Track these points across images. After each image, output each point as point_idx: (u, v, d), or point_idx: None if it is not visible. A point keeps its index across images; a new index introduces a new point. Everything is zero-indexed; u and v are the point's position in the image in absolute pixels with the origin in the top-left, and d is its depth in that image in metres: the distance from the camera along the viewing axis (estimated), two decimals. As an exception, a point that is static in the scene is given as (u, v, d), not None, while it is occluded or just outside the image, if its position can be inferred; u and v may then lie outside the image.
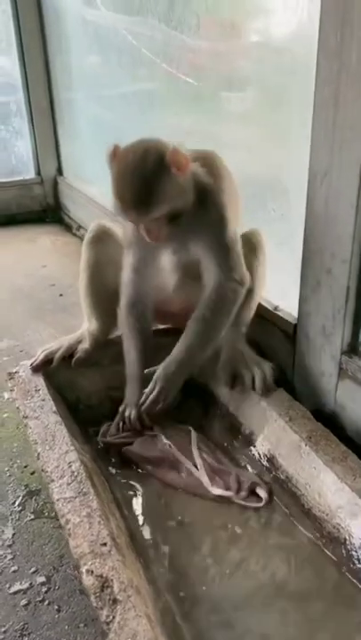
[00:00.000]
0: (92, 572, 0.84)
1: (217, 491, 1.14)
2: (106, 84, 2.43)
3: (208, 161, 1.20)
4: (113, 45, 2.26)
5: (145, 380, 1.27)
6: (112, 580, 0.82)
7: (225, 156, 1.70)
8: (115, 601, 0.80)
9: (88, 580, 0.83)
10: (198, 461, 1.19)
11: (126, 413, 1.29)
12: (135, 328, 1.30)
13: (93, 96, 2.58)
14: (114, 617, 0.78)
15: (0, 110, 2.90)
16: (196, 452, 1.21)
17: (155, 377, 1.25)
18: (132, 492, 1.19)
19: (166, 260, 1.26)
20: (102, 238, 1.40)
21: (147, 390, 1.25)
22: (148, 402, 1.24)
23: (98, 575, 0.83)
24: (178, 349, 1.24)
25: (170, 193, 1.08)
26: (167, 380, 1.24)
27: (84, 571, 0.84)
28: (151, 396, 1.24)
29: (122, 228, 1.34)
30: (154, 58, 1.99)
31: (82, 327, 1.45)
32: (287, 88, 1.38)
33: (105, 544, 0.88)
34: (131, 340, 1.31)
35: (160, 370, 1.25)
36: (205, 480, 1.16)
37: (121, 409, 1.30)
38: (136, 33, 2.07)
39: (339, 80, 1.04)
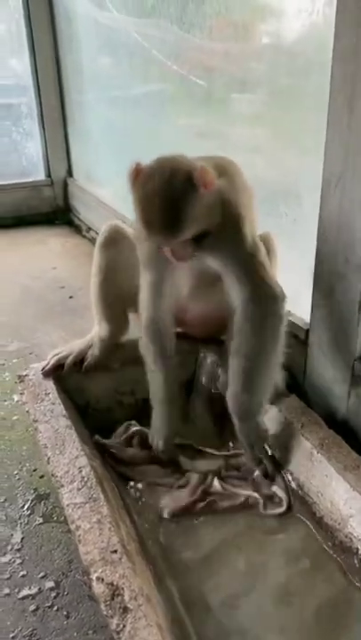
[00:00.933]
0: (103, 579, 0.83)
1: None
2: (117, 86, 2.43)
3: (225, 170, 1.15)
4: (124, 47, 2.26)
5: (172, 404, 1.26)
6: (123, 588, 0.82)
7: (235, 158, 1.70)
8: (125, 609, 0.79)
9: (98, 588, 0.82)
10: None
11: (153, 443, 1.25)
12: (158, 352, 1.24)
13: (104, 98, 2.58)
14: (124, 626, 0.77)
15: (11, 112, 2.92)
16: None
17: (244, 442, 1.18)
18: (142, 498, 1.19)
19: (183, 272, 1.23)
20: (116, 240, 1.37)
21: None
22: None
23: (108, 583, 0.82)
24: (234, 389, 1.16)
25: (199, 214, 1.03)
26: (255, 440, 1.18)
27: (94, 578, 0.83)
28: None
29: (136, 244, 1.28)
30: (165, 60, 1.99)
31: (92, 331, 1.44)
32: (299, 91, 1.38)
33: (115, 551, 0.87)
34: (155, 365, 1.25)
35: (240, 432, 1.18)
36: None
37: (150, 439, 1.27)
38: (147, 35, 2.07)
39: (354, 84, 1.03)
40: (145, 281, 1.23)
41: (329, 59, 1.07)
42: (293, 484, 1.14)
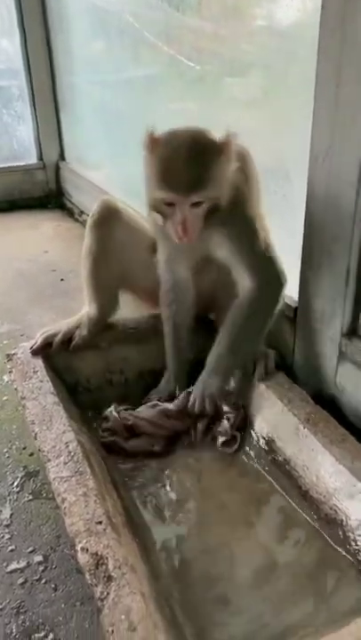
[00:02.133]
0: (87, 549, 0.84)
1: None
2: (108, 68, 2.41)
3: (240, 157, 1.16)
4: (115, 28, 2.23)
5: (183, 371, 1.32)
6: (107, 557, 0.82)
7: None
8: (109, 578, 0.80)
9: (83, 558, 0.83)
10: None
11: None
12: (172, 318, 1.31)
13: (95, 80, 2.56)
14: (108, 593, 0.78)
15: (2, 94, 2.89)
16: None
17: (195, 387, 1.25)
18: (129, 473, 1.19)
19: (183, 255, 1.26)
20: (108, 220, 1.35)
21: (190, 400, 1.24)
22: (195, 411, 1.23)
23: (93, 553, 0.83)
24: (220, 348, 1.23)
25: (220, 176, 1.05)
26: (210, 386, 1.23)
27: (79, 548, 0.84)
28: (197, 407, 1.23)
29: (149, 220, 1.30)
30: (155, 40, 1.97)
31: (82, 311, 1.44)
32: (291, 73, 1.36)
33: (100, 522, 0.88)
34: (169, 329, 1.32)
35: (200, 378, 1.25)
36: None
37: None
38: (138, 15, 2.05)
39: (341, 57, 1.02)
40: (160, 252, 1.28)
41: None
42: (280, 458, 1.15)
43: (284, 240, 1.39)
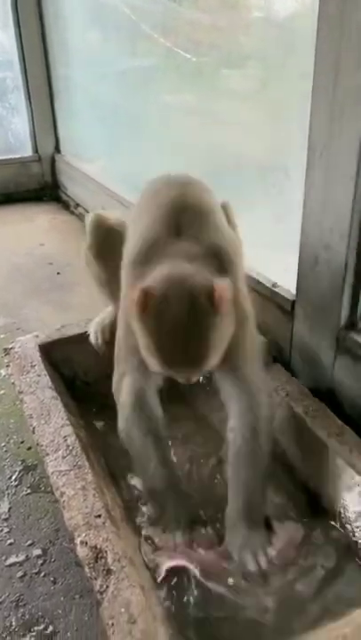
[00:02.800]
0: (86, 543, 0.84)
1: None
2: (104, 61, 2.39)
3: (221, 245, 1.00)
4: (111, 20, 2.21)
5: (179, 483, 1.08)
6: (106, 550, 0.83)
7: (225, 134, 1.69)
8: (108, 571, 0.80)
9: (82, 552, 0.83)
10: None
11: (175, 539, 1.00)
12: (149, 430, 1.05)
13: (91, 72, 2.54)
14: (107, 587, 0.78)
15: (-4, 86, 2.86)
16: None
17: (232, 549, 0.98)
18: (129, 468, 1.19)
19: None
20: (101, 235, 1.24)
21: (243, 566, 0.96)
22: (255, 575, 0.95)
23: (92, 546, 0.83)
24: (239, 500, 1.01)
25: (223, 337, 0.91)
26: (253, 541, 0.98)
27: (78, 542, 0.84)
28: (253, 568, 0.96)
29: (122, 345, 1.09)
30: (152, 32, 1.96)
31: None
32: (288, 64, 1.36)
33: (99, 516, 0.88)
34: (149, 448, 1.04)
35: (233, 539, 0.99)
36: None
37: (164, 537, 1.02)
38: (134, 7, 2.03)
39: (340, 48, 1.01)
40: (126, 361, 1.06)
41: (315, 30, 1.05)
42: (278, 450, 1.15)
43: (282, 233, 1.39)
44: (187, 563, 0.95)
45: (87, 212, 2.58)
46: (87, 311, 1.83)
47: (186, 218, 1.01)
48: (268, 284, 1.38)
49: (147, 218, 1.06)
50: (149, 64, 2.07)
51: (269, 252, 1.45)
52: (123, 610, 0.75)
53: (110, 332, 1.26)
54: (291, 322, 1.32)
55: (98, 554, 0.82)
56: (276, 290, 1.36)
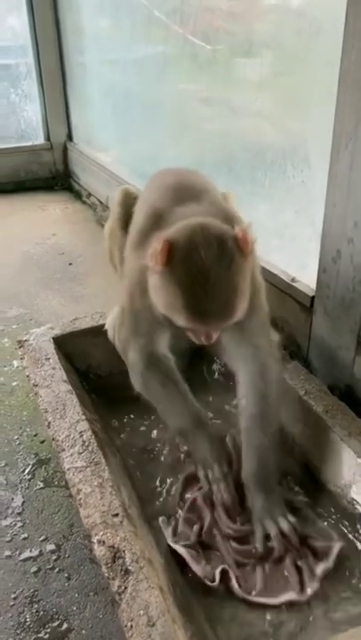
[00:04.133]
0: (104, 542, 0.82)
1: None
2: (117, 48, 2.35)
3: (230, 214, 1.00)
4: (125, 6, 2.17)
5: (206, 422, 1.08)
6: (124, 550, 0.81)
7: (241, 123, 1.65)
8: (127, 572, 0.79)
9: (100, 551, 0.81)
10: None
11: (210, 476, 1.04)
12: (166, 377, 1.06)
13: (105, 59, 2.50)
14: (126, 588, 0.77)
15: (9, 73, 2.83)
16: None
17: (257, 519, 0.98)
18: (144, 463, 1.18)
19: None
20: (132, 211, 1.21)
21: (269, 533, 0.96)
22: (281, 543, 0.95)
23: (110, 546, 0.82)
24: (255, 466, 1.01)
25: (248, 287, 0.89)
26: (274, 508, 0.99)
27: (95, 541, 0.83)
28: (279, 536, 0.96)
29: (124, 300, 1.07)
30: (166, 20, 1.92)
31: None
32: (307, 53, 1.32)
33: (117, 514, 0.86)
34: (169, 388, 1.06)
35: (257, 509, 0.99)
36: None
37: (200, 474, 1.05)
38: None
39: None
40: (132, 324, 1.06)
41: (340, 19, 1.02)
42: (297, 450, 1.13)
43: (303, 226, 1.36)
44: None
45: (100, 202, 2.55)
46: (99, 303, 1.83)
47: (185, 193, 1.05)
48: (287, 279, 1.35)
49: (150, 197, 1.10)
50: (164, 51, 2.03)
51: (289, 245, 1.42)
52: (142, 612, 0.73)
53: None
54: (310, 318, 1.30)
55: (116, 554, 0.81)
56: (296, 285, 1.33)
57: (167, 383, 1.06)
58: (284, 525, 0.96)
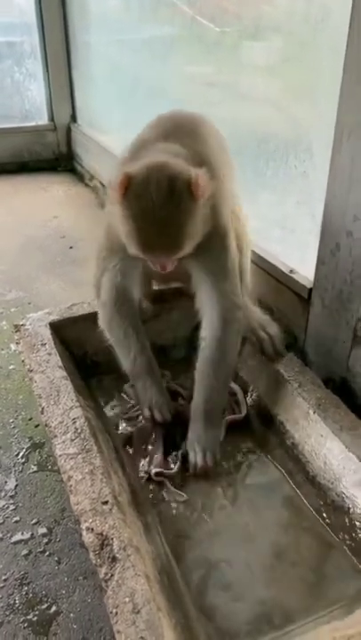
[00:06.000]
0: (93, 529, 0.83)
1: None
2: (124, 28, 2.32)
3: (202, 148, 1.06)
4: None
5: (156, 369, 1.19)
6: (112, 538, 0.82)
7: (245, 109, 1.63)
8: (114, 559, 0.79)
9: (88, 538, 0.82)
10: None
11: (154, 414, 1.16)
12: (129, 323, 1.17)
13: (111, 40, 2.47)
14: (112, 575, 0.77)
15: (14, 51, 2.79)
16: None
17: (189, 443, 1.12)
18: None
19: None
20: None
21: (191, 459, 1.11)
22: (198, 469, 1.10)
23: (98, 533, 0.83)
24: (200, 401, 1.13)
25: (200, 225, 0.98)
26: (206, 440, 1.12)
27: (84, 528, 0.84)
28: (200, 463, 1.10)
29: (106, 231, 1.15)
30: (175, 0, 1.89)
31: None
32: (315, 40, 1.30)
33: (106, 502, 0.87)
34: (129, 335, 1.17)
35: (192, 434, 1.13)
36: None
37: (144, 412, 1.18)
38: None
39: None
40: (107, 265, 1.14)
41: (348, 6, 1.00)
42: (288, 442, 1.14)
43: (302, 217, 1.35)
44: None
45: (102, 185, 2.54)
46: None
47: (175, 129, 1.10)
48: (286, 270, 1.35)
49: (142, 131, 1.15)
50: (171, 33, 2.00)
51: (288, 236, 1.41)
52: (127, 599, 0.74)
53: None
54: (307, 310, 1.29)
55: (104, 541, 0.81)
56: (294, 276, 1.32)
57: (129, 331, 1.17)
58: (209, 460, 1.10)
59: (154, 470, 1.10)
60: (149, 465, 1.12)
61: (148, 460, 1.13)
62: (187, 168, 0.95)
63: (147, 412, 1.17)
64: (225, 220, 1.08)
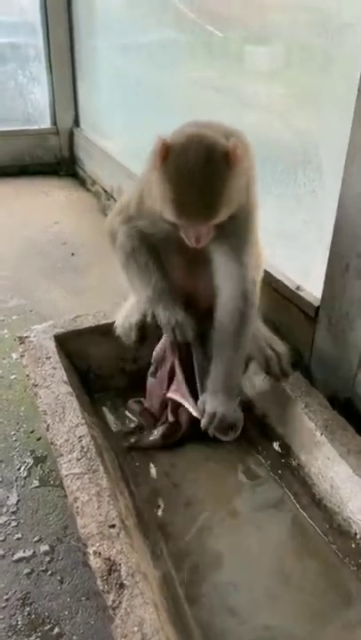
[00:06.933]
0: (100, 554, 0.82)
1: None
2: (129, 33, 2.30)
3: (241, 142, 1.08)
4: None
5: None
6: (120, 563, 0.81)
7: (249, 117, 1.62)
8: (122, 585, 0.78)
9: (95, 563, 0.81)
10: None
11: (178, 336, 1.17)
12: (150, 255, 1.18)
13: (116, 44, 2.45)
14: (120, 602, 0.76)
15: (18, 53, 2.77)
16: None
17: (207, 409, 1.16)
18: (141, 469, 1.18)
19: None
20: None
21: (204, 423, 1.16)
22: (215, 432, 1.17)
23: (105, 558, 0.82)
24: (220, 372, 1.16)
25: (235, 194, 1.00)
26: (227, 409, 1.15)
27: (90, 552, 0.83)
28: (216, 426, 1.15)
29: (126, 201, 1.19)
30: (180, 5, 1.88)
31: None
32: (324, 49, 1.29)
33: (114, 526, 0.86)
34: (151, 266, 1.18)
35: (208, 399, 1.16)
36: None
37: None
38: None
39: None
40: (133, 217, 1.16)
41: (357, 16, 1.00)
42: (294, 464, 1.13)
43: (311, 235, 1.35)
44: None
45: (104, 190, 2.52)
46: (100, 296, 1.82)
47: (202, 125, 1.09)
48: (292, 287, 1.34)
49: None
50: (175, 38, 1.99)
51: (296, 253, 1.41)
52: (136, 629, 0.73)
53: (139, 330, 1.24)
54: (313, 328, 1.29)
55: (111, 566, 0.80)
56: (300, 293, 1.32)
57: (150, 262, 1.18)
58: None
59: (170, 394, 1.21)
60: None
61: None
62: (223, 139, 0.99)
63: (170, 334, 1.18)
64: (255, 198, 1.11)
